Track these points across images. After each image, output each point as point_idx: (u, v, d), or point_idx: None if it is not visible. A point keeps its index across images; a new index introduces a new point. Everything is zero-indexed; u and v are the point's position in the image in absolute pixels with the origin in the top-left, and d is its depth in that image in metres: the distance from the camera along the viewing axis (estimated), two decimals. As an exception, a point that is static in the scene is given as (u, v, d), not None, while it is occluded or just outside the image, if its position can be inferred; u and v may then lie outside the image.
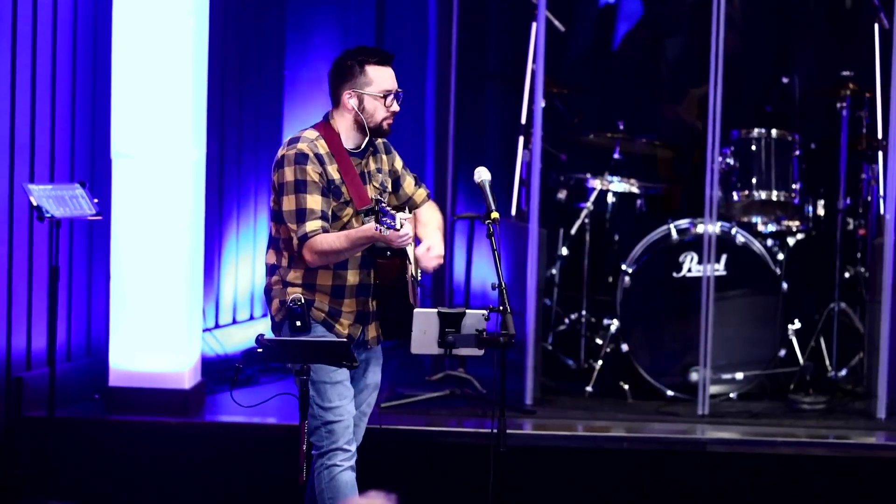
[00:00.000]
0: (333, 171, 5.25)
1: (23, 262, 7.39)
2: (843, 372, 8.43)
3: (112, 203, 7.53)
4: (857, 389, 8.26)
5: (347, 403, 5.34)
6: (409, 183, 5.53)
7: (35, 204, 6.70)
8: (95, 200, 7.01)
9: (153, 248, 7.52)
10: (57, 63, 7.61)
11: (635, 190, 8.80)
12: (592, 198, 8.70)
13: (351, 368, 5.09)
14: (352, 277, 5.28)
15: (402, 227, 4.93)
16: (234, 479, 7.22)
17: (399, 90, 5.29)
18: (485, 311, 4.90)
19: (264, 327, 9.10)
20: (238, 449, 7.27)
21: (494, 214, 4.98)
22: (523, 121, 8.31)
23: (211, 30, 7.78)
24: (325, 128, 5.31)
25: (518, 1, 9.19)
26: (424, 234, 5.46)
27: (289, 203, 5.20)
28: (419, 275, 5.46)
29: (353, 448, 5.35)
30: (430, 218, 5.53)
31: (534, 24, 8.09)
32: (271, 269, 5.40)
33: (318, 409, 5.30)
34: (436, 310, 4.89)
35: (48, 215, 6.70)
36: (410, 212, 5.50)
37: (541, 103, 8.04)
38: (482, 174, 5.11)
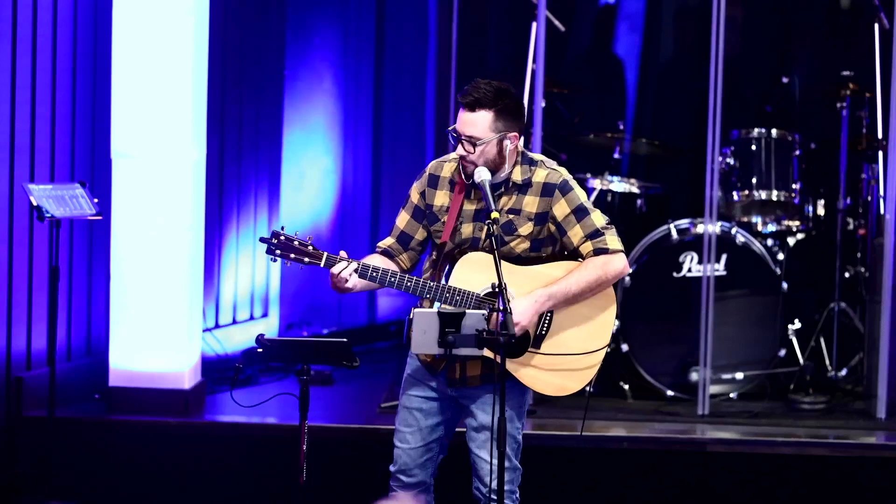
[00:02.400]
0: (442, 196, 5.13)
1: (23, 262, 7.39)
2: (843, 372, 8.43)
3: (112, 203, 7.53)
4: (857, 389, 8.26)
5: (409, 434, 5.17)
6: (575, 233, 5.07)
7: (35, 204, 6.70)
8: (95, 200, 7.01)
9: (153, 247, 7.52)
10: (57, 63, 7.61)
11: (635, 190, 8.80)
12: (592, 198, 8.70)
13: (351, 368, 5.06)
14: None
15: (329, 264, 4.88)
16: (234, 479, 7.22)
17: (462, 136, 5.01)
18: (485, 311, 4.88)
19: (264, 327, 9.11)
20: (238, 449, 7.27)
21: (495, 214, 4.95)
22: (523, 121, 8.29)
23: (211, 30, 7.78)
24: None
25: (518, 1, 9.19)
26: None
27: None
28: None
29: (410, 480, 5.19)
30: (569, 274, 5.06)
31: (534, 24, 8.09)
32: None
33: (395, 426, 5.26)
34: (436, 310, 4.87)
35: (48, 215, 6.70)
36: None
37: (541, 103, 8.04)
38: (482, 174, 5.08)
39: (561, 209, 5.08)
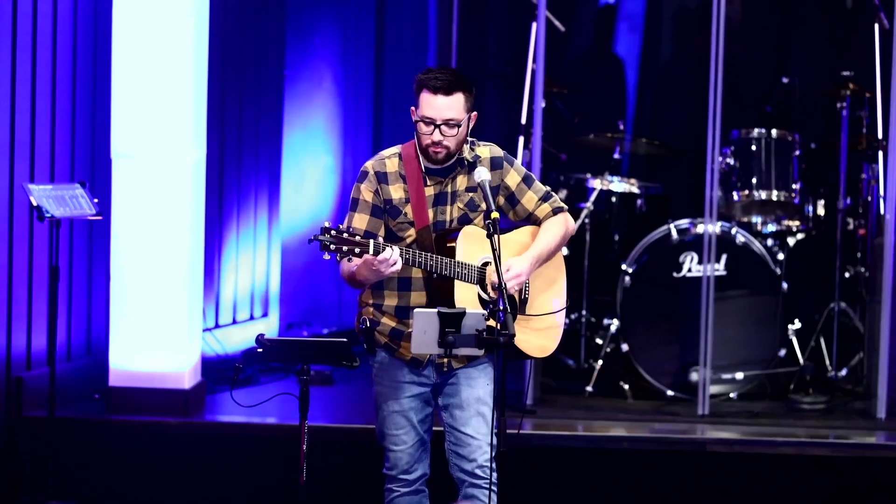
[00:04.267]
0: (396, 190, 5.16)
1: (23, 262, 7.39)
2: (843, 372, 8.43)
3: (112, 203, 7.53)
4: (857, 389, 8.26)
5: (404, 434, 5.24)
6: (529, 198, 5.28)
7: (35, 204, 6.70)
8: (95, 200, 7.01)
9: (153, 248, 7.52)
10: (57, 63, 7.61)
11: (635, 190, 8.81)
12: (592, 198, 8.70)
13: (351, 368, 5.08)
14: (416, 298, 5.16)
15: (376, 251, 4.86)
16: (234, 479, 7.22)
17: (440, 121, 5.05)
18: (485, 311, 4.90)
19: (264, 327, 9.11)
20: (238, 449, 7.27)
21: (494, 214, 4.97)
22: (523, 121, 8.31)
23: (211, 30, 7.78)
24: (410, 145, 5.21)
25: (518, 1, 9.19)
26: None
27: (345, 220, 5.21)
28: (495, 293, 5.09)
29: (413, 476, 5.26)
30: (539, 234, 5.28)
31: (534, 24, 8.09)
32: None
33: (379, 431, 5.29)
34: (436, 310, 4.88)
35: (48, 215, 6.70)
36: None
37: (541, 103, 8.04)
38: (482, 174, 5.10)
39: (512, 178, 5.28)
